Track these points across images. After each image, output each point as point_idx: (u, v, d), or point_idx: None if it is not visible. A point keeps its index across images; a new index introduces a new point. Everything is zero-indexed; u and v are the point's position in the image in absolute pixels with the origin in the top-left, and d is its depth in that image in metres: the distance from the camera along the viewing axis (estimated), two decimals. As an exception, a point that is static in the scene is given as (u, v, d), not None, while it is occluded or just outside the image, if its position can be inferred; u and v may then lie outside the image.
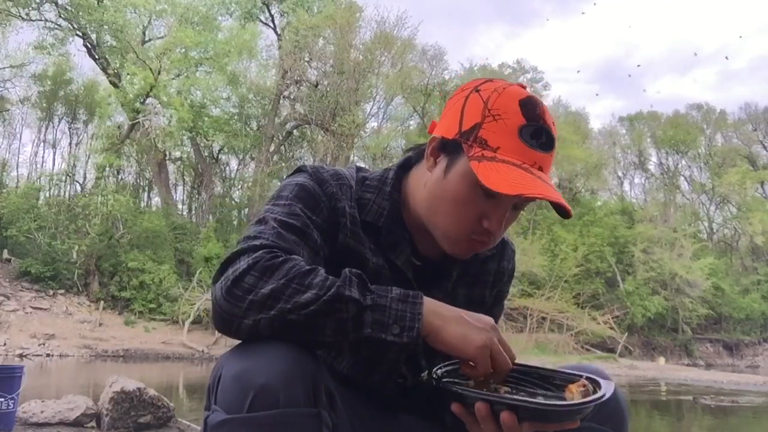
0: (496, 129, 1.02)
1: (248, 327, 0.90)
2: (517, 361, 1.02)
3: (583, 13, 71.69)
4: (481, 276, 1.22)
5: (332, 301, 0.88)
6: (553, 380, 1.04)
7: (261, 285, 0.90)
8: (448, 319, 0.94)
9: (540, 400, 0.93)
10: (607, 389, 0.95)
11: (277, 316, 0.88)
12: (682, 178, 41.80)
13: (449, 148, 1.06)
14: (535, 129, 1.02)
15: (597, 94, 68.02)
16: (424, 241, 1.14)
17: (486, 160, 1.00)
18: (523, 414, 0.89)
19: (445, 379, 1.01)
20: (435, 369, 1.03)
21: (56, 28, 27.46)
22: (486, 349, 0.93)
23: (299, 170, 1.13)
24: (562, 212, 1.02)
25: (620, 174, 41.92)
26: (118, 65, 27.56)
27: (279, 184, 1.12)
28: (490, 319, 0.98)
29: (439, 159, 1.08)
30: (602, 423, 1.07)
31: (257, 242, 0.96)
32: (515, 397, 0.93)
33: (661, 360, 26.56)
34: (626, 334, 28.36)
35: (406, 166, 1.18)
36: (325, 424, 0.89)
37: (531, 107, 1.03)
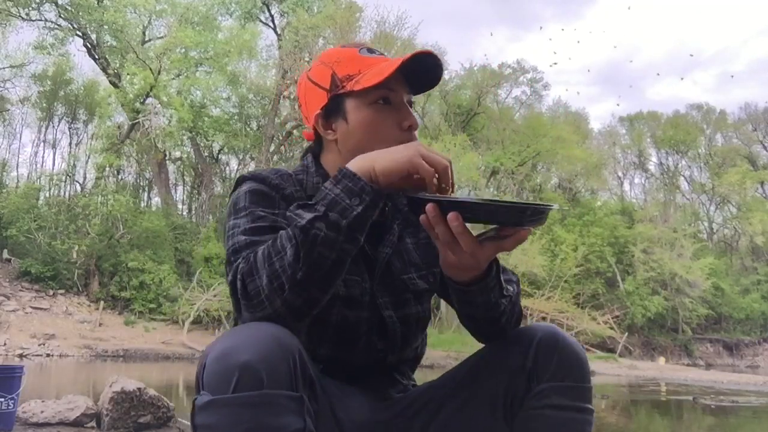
0: (346, 64, 1.20)
1: (287, 309, 0.97)
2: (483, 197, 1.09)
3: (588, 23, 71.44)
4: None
5: (304, 237, 0.96)
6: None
7: (259, 282, 0.97)
8: (373, 159, 1.02)
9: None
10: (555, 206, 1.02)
11: (293, 286, 0.96)
12: (682, 178, 41.80)
13: (331, 109, 1.21)
14: (367, 48, 1.22)
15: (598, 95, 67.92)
16: None
17: (359, 82, 1.16)
18: (467, 213, 0.96)
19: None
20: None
21: (56, 28, 27.41)
22: (416, 157, 1.00)
23: (240, 181, 1.21)
24: (432, 74, 1.25)
25: (620, 174, 41.91)
26: (118, 65, 27.54)
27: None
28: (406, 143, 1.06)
29: (331, 124, 1.22)
30: (562, 379, 1.09)
31: (236, 263, 1.02)
32: (460, 197, 1.00)
33: (661, 360, 26.54)
34: (626, 334, 28.34)
35: (314, 154, 1.29)
36: (307, 409, 0.91)
37: (350, 44, 1.25)
